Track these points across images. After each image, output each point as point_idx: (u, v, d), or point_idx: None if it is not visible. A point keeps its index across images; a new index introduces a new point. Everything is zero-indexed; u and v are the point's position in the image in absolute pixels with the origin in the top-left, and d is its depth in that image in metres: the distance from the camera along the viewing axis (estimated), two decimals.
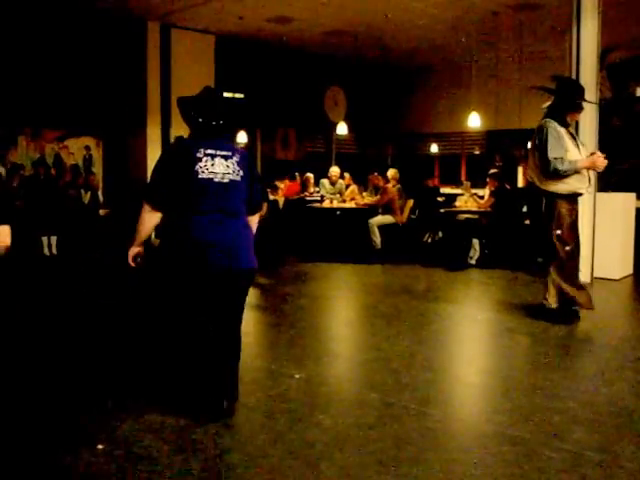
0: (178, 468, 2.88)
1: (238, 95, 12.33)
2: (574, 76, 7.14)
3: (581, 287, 5.60)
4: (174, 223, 3.42)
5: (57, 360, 4.53)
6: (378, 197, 10.03)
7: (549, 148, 5.25)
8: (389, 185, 9.99)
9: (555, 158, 5.22)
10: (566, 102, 5.46)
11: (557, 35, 9.66)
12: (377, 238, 9.61)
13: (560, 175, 5.29)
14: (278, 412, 3.57)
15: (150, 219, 3.46)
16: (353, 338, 5.53)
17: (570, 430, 3.29)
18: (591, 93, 7.08)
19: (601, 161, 5.32)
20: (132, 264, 3.57)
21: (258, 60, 12.58)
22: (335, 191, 11.19)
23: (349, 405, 3.74)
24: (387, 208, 9.81)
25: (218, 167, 3.39)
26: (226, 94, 12.52)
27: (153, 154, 10.54)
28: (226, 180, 3.40)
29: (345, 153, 15.69)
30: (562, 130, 5.36)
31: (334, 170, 11.55)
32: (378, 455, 3.02)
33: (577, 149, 5.42)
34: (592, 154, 5.43)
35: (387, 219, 9.74)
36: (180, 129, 11.61)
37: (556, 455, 3.01)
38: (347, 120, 13.55)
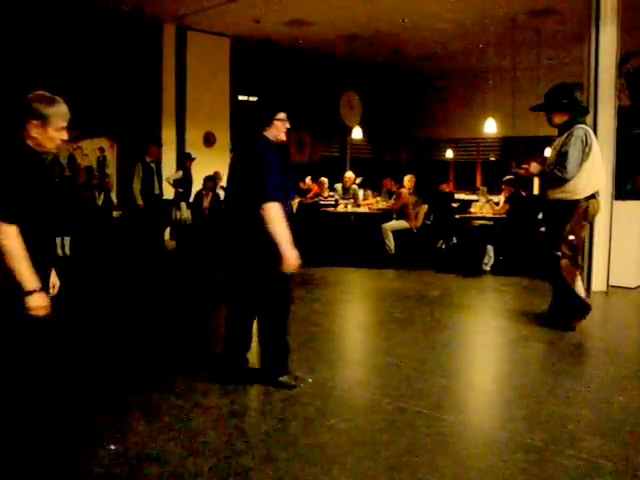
0: (189, 470, 2.88)
1: (253, 98, 12.35)
2: (592, 83, 7.08)
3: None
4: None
5: (71, 359, 4.55)
6: (392, 202, 10.01)
7: None
8: (403, 190, 9.95)
9: None
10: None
11: (575, 41, 9.59)
12: (391, 243, 9.58)
13: None
14: (290, 416, 3.56)
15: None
16: (366, 343, 5.51)
17: (584, 438, 3.27)
18: (609, 100, 7.03)
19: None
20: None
21: (273, 63, 12.61)
22: (349, 196, 11.19)
23: (362, 410, 3.73)
24: (401, 213, 9.78)
25: None
26: (241, 97, 12.62)
27: (167, 156, 10.57)
28: None
29: (360, 157, 15.67)
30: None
31: (348, 175, 11.56)
32: (390, 460, 3.00)
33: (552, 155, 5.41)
34: None
35: (401, 224, 9.70)
36: (194, 131, 11.69)
37: (570, 463, 2.98)
38: (362, 124, 13.54)
